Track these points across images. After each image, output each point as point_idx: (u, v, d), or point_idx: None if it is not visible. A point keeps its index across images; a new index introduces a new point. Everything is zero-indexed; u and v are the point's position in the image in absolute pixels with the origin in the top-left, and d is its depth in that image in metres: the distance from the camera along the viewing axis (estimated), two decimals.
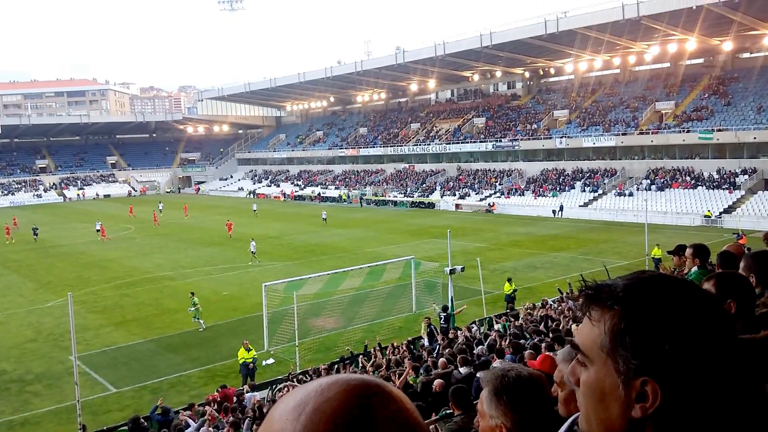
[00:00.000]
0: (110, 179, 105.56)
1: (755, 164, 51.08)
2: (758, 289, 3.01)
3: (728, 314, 1.13)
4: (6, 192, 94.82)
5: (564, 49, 63.27)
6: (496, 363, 10.70)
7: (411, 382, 12.76)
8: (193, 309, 25.17)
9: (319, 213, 58.92)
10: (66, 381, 19.78)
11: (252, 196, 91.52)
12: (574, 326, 13.73)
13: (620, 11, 51.11)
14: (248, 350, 19.79)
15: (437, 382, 11.27)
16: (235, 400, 15.74)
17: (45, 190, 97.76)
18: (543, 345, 11.35)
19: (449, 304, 23.39)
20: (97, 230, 51.38)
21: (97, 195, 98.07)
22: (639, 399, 1.07)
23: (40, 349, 23.95)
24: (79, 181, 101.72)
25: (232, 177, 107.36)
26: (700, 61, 63.51)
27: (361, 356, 18.55)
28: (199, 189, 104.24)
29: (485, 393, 2.09)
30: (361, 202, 72.88)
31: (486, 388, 2.10)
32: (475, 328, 21.28)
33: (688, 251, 5.81)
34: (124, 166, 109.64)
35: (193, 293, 26.15)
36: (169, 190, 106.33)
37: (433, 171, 76.35)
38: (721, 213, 47.13)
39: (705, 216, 47.04)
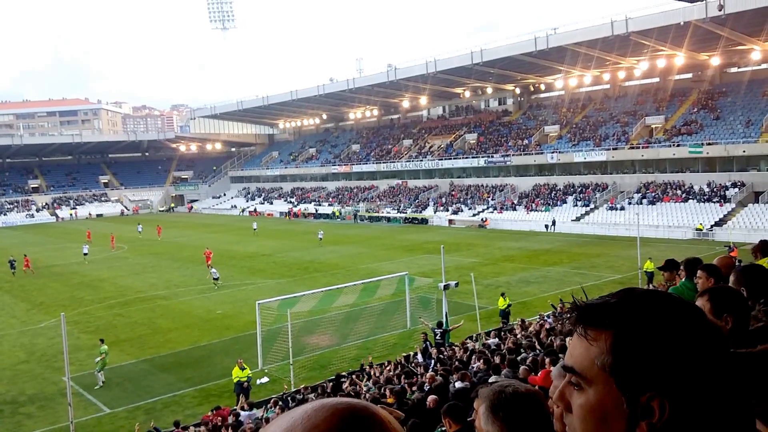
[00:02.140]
0: (103, 198, 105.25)
1: (745, 177, 51.47)
2: (749, 302, 3.05)
3: (717, 326, 1.16)
4: None
5: (554, 65, 63.80)
6: (493, 379, 10.70)
7: (408, 399, 12.72)
8: (98, 359, 22.20)
9: (312, 230, 58.89)
10: (59, 402, 19.61)
11: (244, 213, 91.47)
12: (568, 340, 13.74)
13: (609, 27, 51.66)
14: (242, 369, 19.70)
15: (431, 398, 11.25)
16: (230, 420, 15.63)
17: (37, 210, 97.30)
18: (548, 360, 11.34)
19: (444, 320, 23.37)
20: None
21: (90, 214, 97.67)
22: (644, 415, 1.07)
23: (32, 370, 23.74)
24: (71, 201, 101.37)
25: (225, 195, 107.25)
26: (689, 75, 64.15)
27: (355, 374, 18.49)
28: (192, 207, 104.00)
29: (482, 409, 2.10)
30: (355, 219, 72.89)
31: (483, 404, 2.11)
32: (471, 343, 21.26)
33: (701, 272, 5.86)
34: (117, 185, 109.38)
35: (102, 340, 23.53)
36: (162, 209, 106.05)
37: (425, 187, 76.54)
38: (712, 226, 47.38)
39: (696, 229, 47.28)
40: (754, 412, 1.37)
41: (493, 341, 20.06)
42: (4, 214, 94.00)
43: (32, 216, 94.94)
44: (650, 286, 27.32)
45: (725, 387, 1.08)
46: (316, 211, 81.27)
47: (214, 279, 37.25)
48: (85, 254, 49.51)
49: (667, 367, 1.06)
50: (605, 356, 1.10)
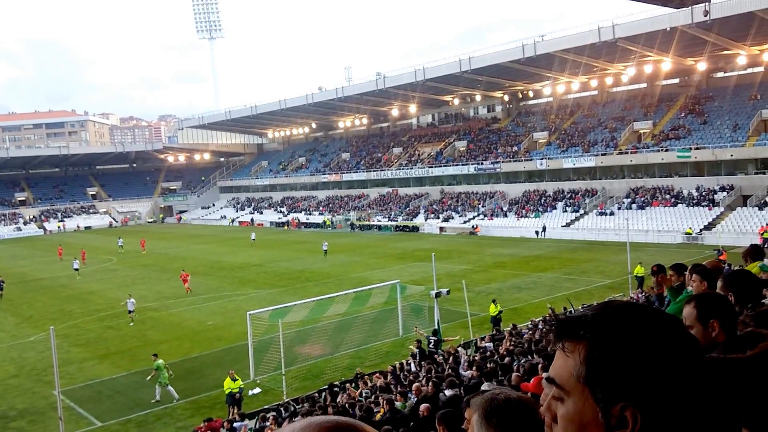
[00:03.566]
0: (91, 210, 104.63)
1: (733, 181, 51.87)
2: (737, 308, 3.07)
3: (693, 337, 1.17)
4: None
5: (542, 72, 64.16)
6: (485, 386, 10.70)
7: (399, 408, 12.70)
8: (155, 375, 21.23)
9: (306, 240, 58.69)
10: (50, 416, 19.43)
11: (234, 223, 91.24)
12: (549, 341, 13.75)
13: (596, 34, 52.00)
14: (234, 380, 19.59)
15: (423, 406, 11.24)
16: (226, 428, 15.52)
17: (25, 223, 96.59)
18: (540, 366, 11.35)
19: (437, 328, 23.38)
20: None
21: (78, 227, 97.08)
22: (619, 425, 1.09)
23: (22, 385, 23.51)
24: (59, 213, 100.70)
25: (214, 205, 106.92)
26: (676, 81, 64.68)
27: (349, 383, 18.44)
28: (181, 218, 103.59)
29: (475, 417, 2.11)
30: (352, 228, 72.73)
31: (476, 413, 2.11)
32: (462, 350, 21.26)
33: (690, 270, 5.92)
34: (105, 197, 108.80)
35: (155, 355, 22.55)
36: (151, 220, 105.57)
37: (416, 195, 76.63)
38: (701, 230, 47.68)
39: (686, 233, 47.57)
40: (739, 419, 1.37)
41: (488, 345, 20.08)
42: None
43: (20, 229, 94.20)
44: (640, 290, 27.45)
45: (700, 396, 1.08)
46: (308, 220, 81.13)
47: (129, 311, 32.06)
48: (76, 269, 48.37)
49: (639, 378, 1.07)
50: (580, 367, 1.13)
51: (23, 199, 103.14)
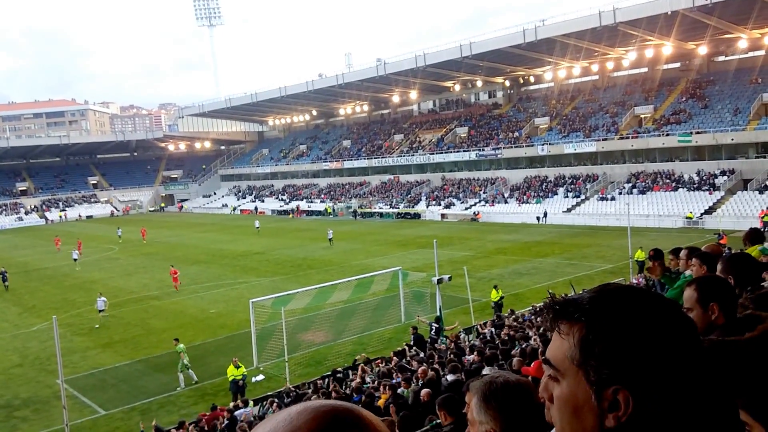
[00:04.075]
0: (92, 200, 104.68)
1: (733, 165, 51.78)
2: (736, 291, 3.08)
3: (690, 320, 1.16)
4: None
5: (543, 57, 63.85)
6: (486, 370, 10.75)
7: (403, 393, 12.74)
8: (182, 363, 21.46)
9: (309, 228, 58.69)
10: (54, 405, 19.56)
11: (235, 211, 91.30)
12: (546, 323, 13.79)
13: (597, 18, 51.72)
14: (237, 367, 19.71)
15: (424, 391, 11.29)
16: (226, 418, 15.62)
17: (26, 213, 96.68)
18: (540, 350, 11.39)
19: (439, 314, 23.46)
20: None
21: (80, 216, 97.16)
22: (612, 408, 1.10)
23: (26, 374, 23.64)
24: (60, 203, 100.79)
25: (215, 194, 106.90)
26: (677, 65, 64.39)
27: (351, 370, 18.53)
28: (182, 207, 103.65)
29: (474, 401, 2.13)
30: (355, 216, 72.70)
31: (475, 396, 2.13)
32: (463, 335, 21.35)
33: (683, 253, 5.94)
34: (106, 186, 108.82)
35: (177, 339, 22.98)
36: (152, 209, 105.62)
37: (417, 181, 76.57)
38: (702, 214, 47.65)
39: (687, 218, 47.54)
40: (737, 402, 1.38)
41: (488, 331, 20.15)
42: None
43: (21, 219, 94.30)
44: (641, 275, 27.50)
45: (694, 380, 1.09)
46: (309, 208, 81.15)
47: (99, 310, 30.62)
48: (75, 260, 48.01)
49: (632, 362, 1.08)
50: (574, 350, 1.14)
51: (24, 189, 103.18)
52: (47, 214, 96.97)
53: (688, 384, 1.09)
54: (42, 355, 25.64)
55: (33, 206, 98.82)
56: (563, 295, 1.26)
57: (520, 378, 2.16)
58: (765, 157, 50.89)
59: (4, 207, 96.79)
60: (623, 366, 1.08)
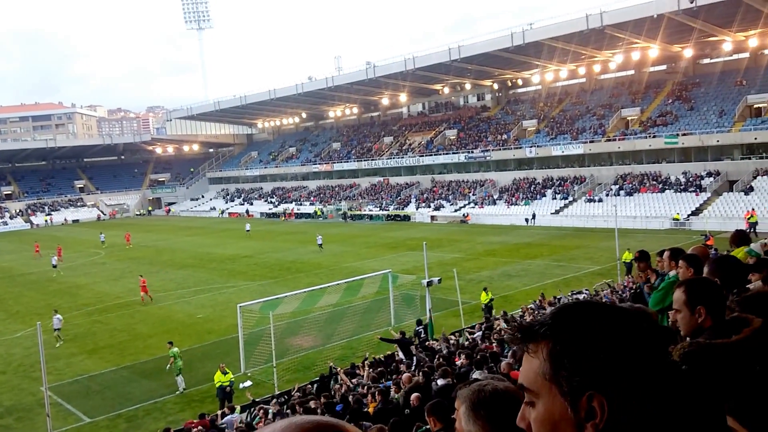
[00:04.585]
0: (79, 204, 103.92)
1: (719, 167, 52.15)
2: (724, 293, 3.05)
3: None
4: None
5: (531, 61, 64.16)
6: (476, 374, 10.70)
7: (393, 399, 12.68)
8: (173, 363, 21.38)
9: (298, 231, 58.52)
10: (38, 413, 19.29)
11: (224, 215, 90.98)
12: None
13: (584, 21, 52.01)
14: (224, 373, 19.51)
15: (414, 396, 11.22)
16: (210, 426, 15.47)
17: (11, 217, 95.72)
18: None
19: (429, 317, 23.41)
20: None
21: (66, 220, 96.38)
22: (588, 417, 1.09)
23: (9, 381, 23.34)
24: (46, 207, 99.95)
25: (203, 197, 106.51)
26: (663, 67, 64.86)
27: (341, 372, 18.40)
28: (169, 210, 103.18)
29: (463, 409, 2.10)
30: (344, 217, 72.57)
31: (463, 404, 2.10)
32: (453, 338, 21.29)
33: (666, 254, 5.94)
34: (93, 189, 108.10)
35: (171, 342, 22.48)
36: (139, 213, 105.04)
37: (407, 184, 76.65)
38: (688, 215, 47.96)
39: (674, 219, 47.83)
40: (724, 407, 1.32)
41: (477, 334, 20.12)
42: None
43: (6, 223, 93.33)
44: (629, 276, 27.62)
45: (666, 381, 1.10)
46: (298, 210, 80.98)
47: (55, 329, 28.16)
48: (54, 266, 47.16)
49: (601, 365, 1.09)
50: (544, 364, 1.15)
51: (9, 192, 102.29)
52: (33, 218, 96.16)
53: (658, 385, 1.09)
54: (26, 361, 25.34)
55: (18, 210, 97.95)
56: (557, 300, 1.24)
57: (508, 385, 2.12)
58: (750, 158, 51.35)
59: None
60: (593, 371, 1.09)
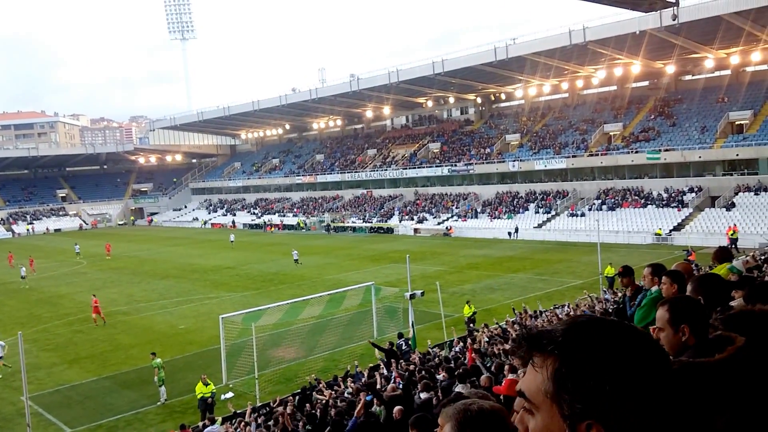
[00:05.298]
0: (61, 213, 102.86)
1: (701, 182, 52.77)
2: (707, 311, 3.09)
3: (663, 351, 1.16)
4: None
5: (514, 75, 64.69)
6: (459, 388, 10.73)
7: (375, 412, 12.66)
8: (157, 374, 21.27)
9: (280, 242, 58.09)
10: (18, 422, 19.04)
11: (206, 225, 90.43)
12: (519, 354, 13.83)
13: (567, 37, 52.58)
14: (206, 384, 19.39)
15: (396, 409, 11.23)
16: None
17: None
18: (506, 367, 11.42)
19: (411, 329, 23.40)
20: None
21: (48, 229, 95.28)
22: None
23: None
24: (28, 216, 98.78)
25: (186, 207, 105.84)
26: (646, 83, 65.69)
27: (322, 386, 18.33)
28: (152, 220, 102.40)
29: (448, 428, 2.10)
30: (328, 230, 72.34)
31: (449, 423, 2.10)
32: (436, 351, 21.29)
33: (646, 270, 5.99)
34: (75, 199, 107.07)
35: (154, 353, 22.29)
36: (121, 222, 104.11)
37: (390, 196, 76.72)
38: (671, 231, 48.42)
39: (656, 234, 48.28)
40: (712, 426, 1.37)
41: (457, 348, 20.13)
42: None
43: None
44: (611, 290, 27.79)
45: (667, 414, 1.08)
46: (282, 222, 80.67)
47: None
48: (23, 277, 46.41)
49: (605, 396, 1.07)
50: (547, 383, 1.13)
51: None
52: (14, 227, 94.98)
53: (660, 418, 1.08)
54: (6, 371, 24.98)
55: (0, 219, 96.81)
56: (526, 313, 1.27)
57: (494, 404, 2.14)
58: (732, 174, 52.01)
59: None
60: (596, 401, 1.07)
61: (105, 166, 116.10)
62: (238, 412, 17.93)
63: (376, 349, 20.95)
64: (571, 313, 22.83)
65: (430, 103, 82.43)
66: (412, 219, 67.89)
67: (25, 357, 16.17)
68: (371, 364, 20.28)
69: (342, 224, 73.10)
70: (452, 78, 66.10)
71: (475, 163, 69.40)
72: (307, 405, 17.07)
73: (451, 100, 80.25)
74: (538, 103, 73.94)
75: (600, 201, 56.84)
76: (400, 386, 13.87)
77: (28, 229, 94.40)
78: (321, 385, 17.85)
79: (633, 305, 6.65)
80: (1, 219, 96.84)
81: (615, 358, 1.09)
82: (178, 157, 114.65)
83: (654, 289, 5.80)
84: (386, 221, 69.98)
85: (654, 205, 52.81)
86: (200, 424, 17.35)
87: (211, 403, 19.25)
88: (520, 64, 59.27)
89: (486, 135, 75.38)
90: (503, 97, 78.60)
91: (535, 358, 1.16)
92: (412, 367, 16.97)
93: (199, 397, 19.28)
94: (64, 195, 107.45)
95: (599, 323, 1.16)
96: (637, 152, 57.11)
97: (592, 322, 1.17)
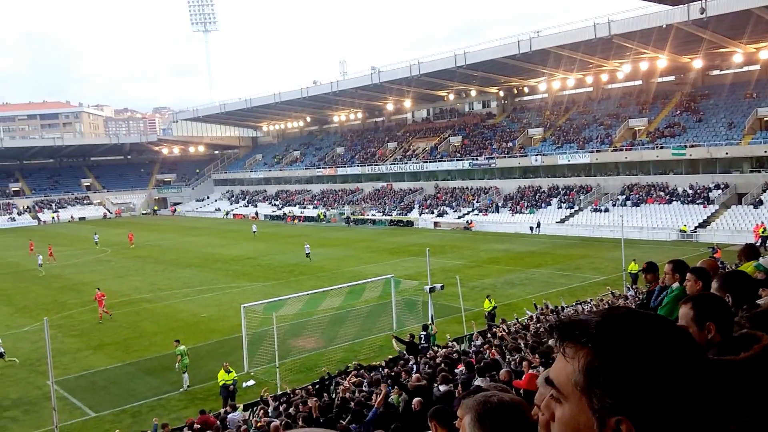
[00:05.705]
0: (85, 202, 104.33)
1: (728, 179, 52.02)
2: (733, 308, 3.08)
3: (700, 349, 1.14)
4: None
5: (537, 68, 64.14)
6: (478, 381, 10.76)
7: (393, 402, 12.75)
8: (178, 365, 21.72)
9: (300, 233, 58.33)
10: (44, 406, 19.47)
11: (228, 216, 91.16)
12: (552, 342, 13.82)
13: (592, 30, 52.00)
14: (228, 372, 19.65)
15: (416, 400, 11.28)
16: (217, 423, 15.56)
17: (19, 213, 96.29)
18: (525, 363, 11.42)
19: (430, 322, 23.44)
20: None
21: (72, 218, 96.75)
22: None
23: (16, 374, 23.52)
24: (53, 204, 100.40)
25: (208, 198, 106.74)
26: (672, 78, 64.78)
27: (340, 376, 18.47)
28: (175, 210, 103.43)
29: (467, 420, 2.11)
30: (347, 222, 72.58)
31: (468, 414, 2.12)
32: (455, 345, 21.33)
33: (668, 267, 5.91)
34: (99, 188, 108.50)
35: (178, 341, 22.68)
36: (145, 212, 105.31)
37: (411, 189, 76.64)
38: (696, 227, 47.84)
39: (680, 231, 47.73)
40: (730, 427, 1.38)
41: (477, 343, 20.13)
42: None
43: (14, 219, 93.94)
44: (634, 287, 27.59)
45: (699, 413, 1.07)
46: (302, 214, 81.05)
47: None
48: (40, 265, 47.14)
49: (637, 393, 1.05)
50: (578, 375, 1.12)
51: (17, 189, 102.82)
52: (40, 215, 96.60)
53: (692, 417, 1.07)
54: (33, 355, 25.49)
55: (26, 207, 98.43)
56: (538, 309, 1.27)
57: (513, 397, 2.16)
58: (759, 171, 51.20)
59: None
60: (628, 397, 1.06)
61: (129, 157, 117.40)
62: (264, 398, 18.12)
63: (396, 342, 21.00)
64: (594, 309, 22.72)
65: (451, 96, 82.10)
66: (432, 212, 67.79)
67: (51, 342, 16.49)
68: (390, 356, 20.38)
69: (362, 217, 73.22)
70: (475, 71, 65.73)
71: (497, 157, 69.03)
72: (325, 395, 17.24)
73: (473, 93, 79.82)
74: (562, 97, 73.27)
75: (624, 196, 56.30)
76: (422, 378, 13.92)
77: (53, 217, 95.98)
78: (351, 373, 17.90)
79: (655, 301, 6.61)
80: (28, 207, 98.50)
81: (651, 354, 1.07)
82: (201, 149, 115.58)
83: (675, 286, 5.74)
84: (406, 214, 69.96)
85: (679, 202, 52.20)
86: (222, 410, 17.58)
87: (233, 391, 19.49)
88: (544, 57, 58.75)
89: (508, 129, 74.92)
90: (526, 90, 77.97)
91: (567, 348, 1.14)
92: (438, 359, 17.02)
93: (221, 384, 19.55)
94: (88, 184, 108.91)
95: (636, 316, 1.14)
96: (662, 148, 56.43)
97: (629, 315, 1.14)
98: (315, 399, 15.09)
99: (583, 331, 1.13)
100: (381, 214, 72.55)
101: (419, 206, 70.70)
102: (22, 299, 37.43)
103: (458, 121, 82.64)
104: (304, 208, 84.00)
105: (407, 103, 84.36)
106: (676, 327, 1.15)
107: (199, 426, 15.65)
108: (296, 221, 78.58)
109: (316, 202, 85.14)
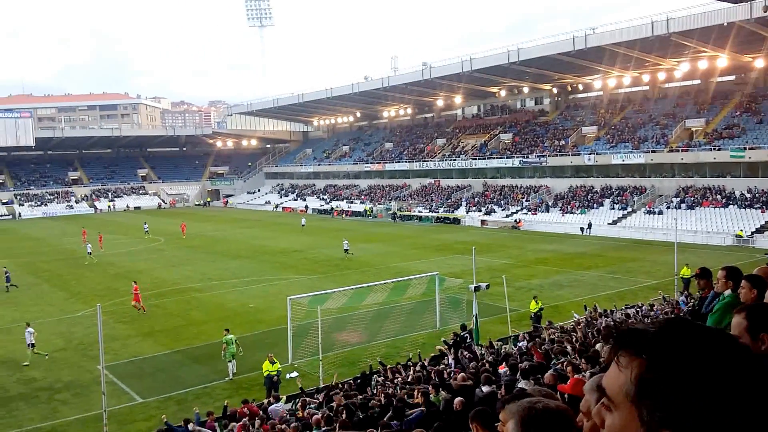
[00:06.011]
0: (140, 191, 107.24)
1: None
2: None
3: (763, 369, 1.07)
4: (39, 203, 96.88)
5: (592, 66, 62.92)
6: (522, 384, 10.62)
7: (433, 400, 12.68)
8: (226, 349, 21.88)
9: (347, 228, 58.52)
10: (93, 390, 20.02)
11: (278, 209, 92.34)
12: (599, 346, 13.53)
13: (649, 28, 50.75)
14: (273, 363, 19.84)
15: (457, 400, 11.19)
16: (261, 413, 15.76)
17: (77, 202, 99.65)
18: (569, 368, 11.21)
19: (474, 321, 23.26)
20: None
21: (128, 207, 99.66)
22: None
23: (69, 358, 24.28)
24: (109, 193, 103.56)
25: (259, 191, 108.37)
26: (732, 78, 62.71)
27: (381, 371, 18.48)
28: (227, 202, 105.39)
29: (511, 424, 2.08)
30: (393, 218, 72.66)
31: (512, 419, 2.08)
32: (500, 345, 21.10)
33: (721, 273, 5.68)
34: (155, 178, 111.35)
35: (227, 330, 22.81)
36: (198, 203, 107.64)
37: (458, 186, 76.22)
38: (753, 233, 46.24)
39: (736, 236, 46.20)
40: None
41: (522, 344, 19.88)
42: (45, 205, 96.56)
43: (71, 207, 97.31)
44: (686, 292, 26.82)
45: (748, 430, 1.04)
46: (349, 208, 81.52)
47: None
48: (89, 253, 48.04)
49: (687, 410, 1.04)
50: (630, 385, 1.10)
51: (76, 178, 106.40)
52: (96, 203, 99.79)
53: None
54: (85, 340, 26.30)
55: (83, 195, 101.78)
56: (628, 323, 1.22)
57: (559, 404, 2.10)
58: None
59: (56, 195, 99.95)
60: (678, 413, 1.04)
61: (184, 148, 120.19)
62: (305, 390, 18.29)
63: (444, 344, 20.87)
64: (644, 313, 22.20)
65: (503, 93, 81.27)
66: (480, 210, 67.25)
67: (103, 328, 16.96)
68: (433, 354, 20.31)
69: (408, 213, 73.19)
70: (527, 67, 64.88)
71: (549, 155, 68.01)
72: (367, 389, 17.28)
73: (526, 89, 78.83)
74: (617, 95, 71.72)
75: (679, 199, 54.79)
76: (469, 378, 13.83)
77: (109, 206, 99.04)
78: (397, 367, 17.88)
79: (707, 308, 6.38)
80: (85, 195, 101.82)
81: (706, 371, 1.04)
82: (254, 142, 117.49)
83: (727, 293, 5.52)
84: (453, 212, 69.61)
85: (736, 206, 50.52)
86: (265, 401, 17.78)
87: (277, 381, 19.69)
88: (599, 55, 57.60)
89: (561, 126, 73.73)
90: (580, 87, 76.62)
91: (622, 356, 1.13)
92: (482, 360, 16.88)
93: (265, 374, 19.75)
94: (144, 174, 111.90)
95: (695, 330, 1.11)
96: (720, 149, 54.66)
97: (687, 328, 1.11)
98: (356, 393, 15.15)
99: (640, 341, 1.12)
100: (427, 210, 72.38)
101: (466, 204, 70.25)
102: (77, 285, 38.66)
103: (509, 118, 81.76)
104: (352, 202, 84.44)
105: (458, 99, 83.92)
106: (737, 344, 1.10)
107: (247, 413, 15.89)
108: (343, 216, 79.09)
109: (363, 197, 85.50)
